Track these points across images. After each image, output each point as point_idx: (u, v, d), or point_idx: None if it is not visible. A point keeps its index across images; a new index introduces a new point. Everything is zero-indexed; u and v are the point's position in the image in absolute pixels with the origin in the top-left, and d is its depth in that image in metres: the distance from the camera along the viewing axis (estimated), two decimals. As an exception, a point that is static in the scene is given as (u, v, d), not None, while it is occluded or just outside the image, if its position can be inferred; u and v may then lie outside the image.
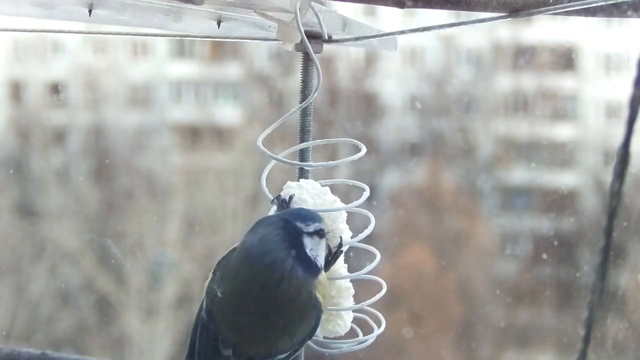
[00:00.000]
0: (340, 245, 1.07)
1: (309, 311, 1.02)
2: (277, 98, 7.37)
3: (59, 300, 6.54)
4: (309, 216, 1.03)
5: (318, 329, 1.09)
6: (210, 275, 1.05)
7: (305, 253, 1.01)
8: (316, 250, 1.03)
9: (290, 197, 1.08)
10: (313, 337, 1.08)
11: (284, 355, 1.02)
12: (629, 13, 1.05)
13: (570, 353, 5.51)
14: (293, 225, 1.01)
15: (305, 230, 1.02)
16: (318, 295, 1.02)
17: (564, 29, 6.84)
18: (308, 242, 1.02)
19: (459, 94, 7.34)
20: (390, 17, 5.88)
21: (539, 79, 7.04)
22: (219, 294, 1.02)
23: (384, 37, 1.23)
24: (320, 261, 1.03)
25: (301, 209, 1.05)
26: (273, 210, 1.09)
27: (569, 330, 5.76)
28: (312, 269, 1.01)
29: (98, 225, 6.78)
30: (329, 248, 1.08)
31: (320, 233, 1.04)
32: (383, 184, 6.99)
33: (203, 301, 1.04)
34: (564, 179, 6.76)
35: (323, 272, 1.04)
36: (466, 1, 1.06)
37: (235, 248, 1.04)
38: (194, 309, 1.06)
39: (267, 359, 1.02)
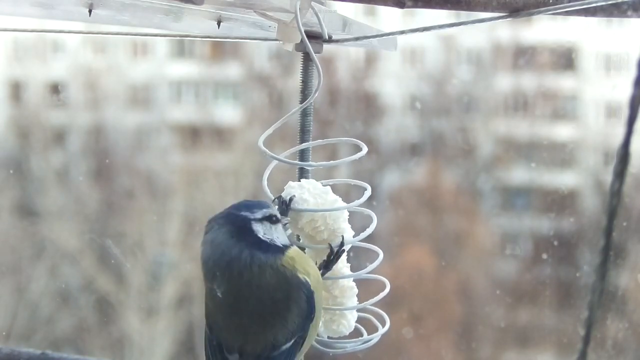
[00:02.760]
0: (342, 244, 1.07)
1: (293, 292, 1.01)
2: (277, 98, 7.37)
3: (59, 300, 6.54)
4: (254, 204, 1.04)
5: (322, 327, 1.09)
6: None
7: (259, 238, 1.01)
8: (270, 234, 1.03)
9: (291, 199, 1.07)
10: (317, 338, 1.08)
11: (289, 344, 1.02)
12: (629, 13, 1.05)
13: (570, 353, 5.51)
14: (238, 215, 1.02)
15: (252, 217, 1.02)
16: (298, 273, 1.02)
17: (564, 29, 6.84)
18: (259, 227, 1.02)
19: (459, 94, 7.34)
20: (390, 17, 5.88)
21: (539, 79, 7.04)
22: (211, 306, 1.04)
23: (384, 37, 1.23)
24: (280, 241, 1.03)
25: (246, 200, 1.05)
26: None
27: (569, 330, 5.76)
28: (270, 249, 1.01)
29: (98, 225, 6.77)
30: (330, 248, 1.08)
31: (270, 218, 1.04)
32: (383, 184, 6.99)
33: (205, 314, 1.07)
34: (564, 179, 6.76)
35: (291, 248, 1.04)
36: (466, 1, 1.06)
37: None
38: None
39: (274, 351, 1.02)
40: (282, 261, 1.01)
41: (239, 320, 1.01)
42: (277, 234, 1.04)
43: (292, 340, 1.02)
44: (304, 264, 1.03)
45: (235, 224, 1.01)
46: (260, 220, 1.03)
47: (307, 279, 1.02)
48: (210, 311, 1.04)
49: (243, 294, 1.00)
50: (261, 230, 1.02)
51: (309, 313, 1.03)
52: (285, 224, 1.07)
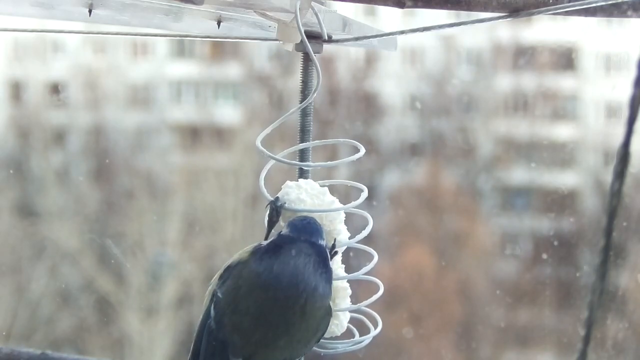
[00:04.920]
0: (334, 246, 1.07)
1: (324, 321, 1.03)
2: (277, 98, 7.37)
3: (59, 300, 6.54)
4: (319, 229, 1.03)
5: None
6: (216, 280, 1.04)
7: (330, 270, 1.01)
8: (331, 263, 1.04)
9: (281, 205, 1.07)
10: None
11: None
12: (629, 13, 1.05)
13: (570, 353, 5.51)
14: (319, 245, 1.01)
15: (325, 246, 1.03)
16: (331, 309, 1.03)
17: (564, 29, 6.84)
18: (333, 260, 1.04)
19: (459, 94, 7.34)
20: (390, 17, 5.88)
21: (539, 79, 7.04)
22: (231, 306, 1.01)
23: (384, 37, 1.23)
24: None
25: (309, 222, 1.04)
26: (267, 214, 1.08)
27: (569, 330, 5.76)
28: (330, 283, 1.01)
29: (98, 225, 6.78)
30: None
31: (328, 246, 1.04)
32: (383, 184, 6.99)
33: (210, 308, 1.03)
34: (564, 179, 6.76)
35: None
36: (466, 1, 1.06)
37: (247, 259, 1.02)
38: (194, 309, 1.06)
39: None
40: (330, 297, 1.02)
41: (266, 333, 1.00)
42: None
43: (301, 358, 1.05)
44: (335, 297, 1.06)
45: (320, 255, 1.00)
46: (330, 249, 1.04)
47: (333, 311, 1.04)
48: (229, 310, 1.01)
49: (292, 319, 0.99)
50: (330, 263, 1.03)
51: (322, 335, 1.05)
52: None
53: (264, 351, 1.01)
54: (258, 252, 1.01)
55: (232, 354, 1.01)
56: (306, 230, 1.02)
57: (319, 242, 1.01)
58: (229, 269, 1.04)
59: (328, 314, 1.02)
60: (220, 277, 1.04)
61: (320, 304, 1.00)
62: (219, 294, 1.02)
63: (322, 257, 1.00)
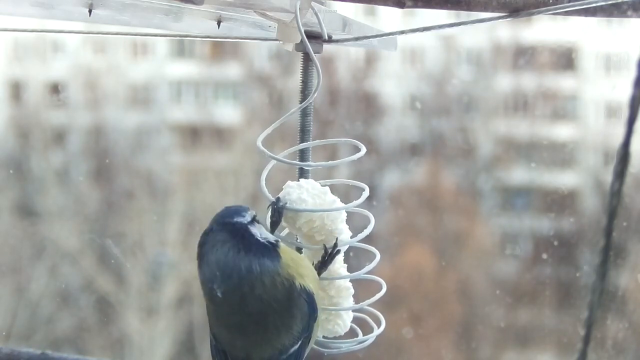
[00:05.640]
0: (336, 245, 1.07)
1: (294, 299, 1.01)
2: (277, 98, 7.37)
3: (59, 300, 6.54)
4: (237, 210, 1.02)
5: (317, 323, 1.09)
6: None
7: (259, 241, 1.00)
8: (263, 233, 1.02)
9: (283, 205, 1.07)
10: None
11: (296, 347, 1.02)
12: (629, 13, 1.05)
13: (570, 353, 5.51)
14: (234, 224, 1.00)
15: (246, 222, 1.01)
16: (295, 280, 1.01)
17: (564, 29, 6.84)
18: (255, 230, 1.01)
19: (459, 94, 7.33)
20: (390, 17, 5.88)
21: (539, 79, 7.04)
22: (214, 319, 1.04)
23: (384, 37, 1.23)
24: (270, 239, 1.02)
25: (225, 208, 1.03)
26: (268, 215, 1.08)
27: (569, 330, 5.76)
28: (268, 252, 1.00)
29: (98, 225, 6.77)
30: (325, 249, 1.08)
31: (255, 218, 1.03)
32: (383, 184, 6.99)
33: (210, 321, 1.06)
34: (564, 179, 6.76)
35: (281, 247, 1.03)
36: (466, 1, 1.06)
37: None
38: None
39: (282, 355, 1.02)
40: (281, 267, 1.00)
41: (243, 332, 1.01)
42: (266, 233, 1.03)
43: (299, 342, 1.03)
44: (297, 268, 1.03)
45: (236, 234, 0.99)
46: (252, 222, 1.02)
47: (303, 284, 1.02)
48: (213, 323, 1.04)
49: (250, 307, 0.99)
50: (257, 232, 1.01)
51: (312, 314, 1.03)
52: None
53: (254, 349, 1.01)
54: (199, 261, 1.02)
55: None
56: (221, 215, 1.02)
57: (234, 219, 1.00)
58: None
59: (296, 291, 1.01)
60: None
61: (270, 279, 0.99)
62: (208, 310, 1.04)
63: (238, 235, 0.99)
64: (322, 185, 1.10)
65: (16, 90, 7.53)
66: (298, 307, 1.01)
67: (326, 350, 1.12)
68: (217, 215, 1.02)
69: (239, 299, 0.99)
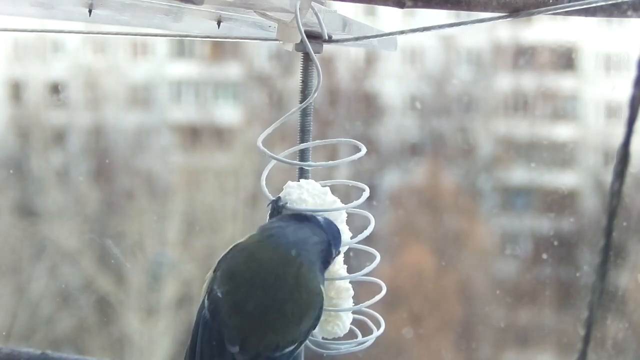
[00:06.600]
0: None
1: (315, 299, 1.01)
2: (277, 98, 7.37)
3: (59, 300, 6.54)
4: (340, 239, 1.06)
5: (317, 328, 1.09)
6: (211, 274, 1.03)
7: (322, 269, 1.03)
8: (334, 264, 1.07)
9: (283, 205, 1.07)
10: (311, 338, 1.08)
11: (291, 348, 1.01)
12: (629, 13, 1.05)
13: (570, 353, 5.51)
14: (330, 247, 1.04)
15: (334, 254, 1.05)
16: (317, 280, 1.03)
17: (564, 29, 6.84)
18: (335, 260, 1.06)
19: (459, 94, 7.34)
20: (390, 17, 5.88)
21: (539, 79, 7.04)
22: (224, 291, 1.00)
23: (384, 37, 1.23)
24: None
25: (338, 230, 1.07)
26: (268, 215, 1.08)
27: (569, 330, 5.77)
28: (320, 266, 1.03)
29: (98, 225, 6.78)
30: None
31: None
32: (383, 184, 6.99)
33: (204, 301, 1.02)
34: (564, 179, 6.76)
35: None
36: (466, 1, 1.06)
37: (236, 246, 1.03)
38: (194, 309, 1.05)
39: (275, 352, 1.00)
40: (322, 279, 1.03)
41: (259, 309, 0.99)
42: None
43: (294, 345, 1.01)
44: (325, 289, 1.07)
45: (303, 218, 1.03)
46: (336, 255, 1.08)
47: (323, 286, 1.03)
48: (218, 298, 1.01)
49: (278, 287, 0.99)
50: (335, 264, 1.07)
51: (319, 317, 1.03)
52: None
53: (254, 334, 1.00)
54: (261, 231, 1.03)
55: (229, 342, 1.00)
56: (334, 231, 1.05)
57: (333, 248, 1.04)
58: (221, 260, 1.04)
59: (319, 293, 1.02)
60: (215, 269, 1.04)
61: (307, 268, 1.00)
62: (214, 286, 1.02)
63: (322, 239, 1.02)
64: (322, 186, 1.10)
65: (16, 90, 7.54)
66: (314, 306, 1.02)
67: (325, 351, 1.12)
68: (331, 230, 1.07)
69: (274, 277, 0.99)
